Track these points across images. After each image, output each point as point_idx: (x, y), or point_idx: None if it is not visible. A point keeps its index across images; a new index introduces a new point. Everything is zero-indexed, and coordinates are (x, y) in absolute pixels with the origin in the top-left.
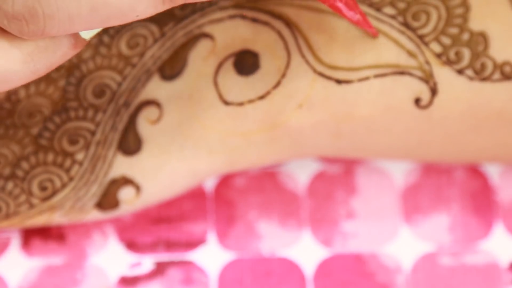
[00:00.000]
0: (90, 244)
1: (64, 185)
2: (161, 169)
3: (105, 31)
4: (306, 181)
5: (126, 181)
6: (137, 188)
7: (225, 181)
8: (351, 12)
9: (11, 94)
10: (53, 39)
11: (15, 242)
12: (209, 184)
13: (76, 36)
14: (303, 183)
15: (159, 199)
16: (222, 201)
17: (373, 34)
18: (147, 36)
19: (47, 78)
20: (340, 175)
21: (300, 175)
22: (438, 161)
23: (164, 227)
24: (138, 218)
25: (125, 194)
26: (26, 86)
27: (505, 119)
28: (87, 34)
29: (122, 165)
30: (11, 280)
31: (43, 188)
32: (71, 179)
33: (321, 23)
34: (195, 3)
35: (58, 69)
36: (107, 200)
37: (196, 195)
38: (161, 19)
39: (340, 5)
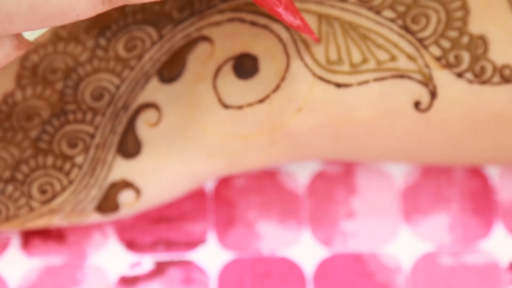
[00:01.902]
0: (90, 244)
1: (64, 189)
2: (161, 172)
3: (102, 34)
4: (306, 181)
5: (126, 184)
6: (137, 191)
7: (225, 181)
8: (291, 17)
9: (7, 97)
10: None
11: (15, 242)
12: (209, 184)
13: (19, 37)
14: (303, 183)
15: (159, 202)
16: (222, 201)
17: (315, 40)
18: (144, 39)
19: (44, 81)
20: (340, 175)
21: (300, 175)
22: (437, 164)
23: (164, 227)
24: (138, 218)
25: (125, 197)
26: (22, 88)
27: (504, 122)
28: (31, 35)
29: (121, 168)
30: (11, 280)
31: (43, 192)
32: (70, 182)
33: None
34: (193, 6)
35: (54, 71)
36: (107, 203)
37: (196, 195)
38: (158, 22)
39: (279, 10)
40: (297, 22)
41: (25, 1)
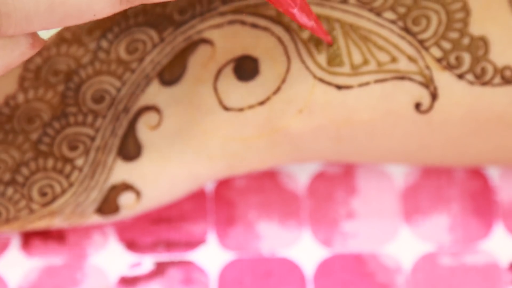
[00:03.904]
0: (90, 244)
1: (64, 191)
2: (161, 175)
3: (104, 36)
4: (306, 181)
5: (126, 186)
6: (137, 193)
7: (225, 181)
8: (305, 19)
9: (9, 99)
10: (11, 38)
11: (15, 242)
12: (209, 185)
13: (34, 35)
14: (303, 183)
15: (159, 204)
16: (222, 201)
17: (328, 42)
18: (146, 41)
19: (46, 83)
20: (340, 175)
21: (300, 175)
22: (438, 165)
23: (164, 227)
24: (138, 218)
25: (125, 199)
26: (25, 91)
27: (505, 123)
28: (45, 34)
29: (122, 171)
30: (11, 280)
31: (43, 194)
32: (71, 184)
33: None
34: (194, 8)
35: (56, 74)
36: (107, 205)
37: (196, 195)
38: (160, 24)
39: (294, 11)
40: (311, 23)
41: (44, 1)
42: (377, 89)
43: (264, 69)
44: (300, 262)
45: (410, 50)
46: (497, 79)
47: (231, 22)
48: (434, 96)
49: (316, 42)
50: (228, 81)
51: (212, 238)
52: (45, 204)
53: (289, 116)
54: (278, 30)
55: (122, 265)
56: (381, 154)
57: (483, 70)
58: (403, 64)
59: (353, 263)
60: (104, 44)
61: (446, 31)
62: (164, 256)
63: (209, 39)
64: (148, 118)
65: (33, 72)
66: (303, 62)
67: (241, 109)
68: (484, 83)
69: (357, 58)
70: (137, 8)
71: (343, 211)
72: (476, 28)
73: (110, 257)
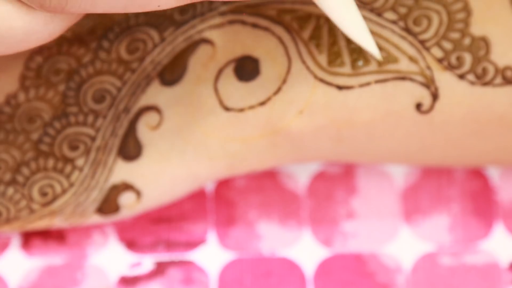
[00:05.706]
0: (90, 244)
1: (64, 191)
2: (162, 175)
3: (104, 35)
4: (306, 181)
5: (126, 186)
6: (138, 193)
7: (225, 181)
8: None
9: (10, 98)
10: None
11: (15, 242)
12: (209, 184)
13: None
14: (303, 183)
15: (159, 204)
16: (222, 201)
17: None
18: (146, 41)
19: (47, 82)
20: (340, 175)
21: (300, 175)
22: (439, 166)
23: (164, 227)
24: (138, 218)
25: (126, 199)
26: (26, 90)
27: (506, 124)
28: None
29: (122, 171)
30: (11, 280)
31: (43, 194)
32: (71, 184)
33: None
34: (194, 8)
35: (57, 73)
36: (108, 205)
37: (196, 195)
38: (160, 24)
39: None
40: None
41: None
42: (378, 90)
43: (265, 69)
44: (300, 262)
45: (411, 51)
46: (498, 80)
47: (231, 22)
48: (435, 96)
49: (316, 42)
50: (229, 81)
51: (212, 238)
52: (46, 204)
53: (289, 117)
54: (279, 30)
55: (122, 265)
56: (382, 154)
57: (484, 71)
58: (404, 65)
59: (353, 263)
60: (105, 43)
61: (447, 31)
62: (164, 256)
63: (209, 39)
64: (149, 118)
65: (34, 71)
66: (303, 62)
67: (241, 110)
68: (485, 84)
69: (357, 59)
70: None
71: (343, 211)
72: (477, 28)
73: (110, 257)
